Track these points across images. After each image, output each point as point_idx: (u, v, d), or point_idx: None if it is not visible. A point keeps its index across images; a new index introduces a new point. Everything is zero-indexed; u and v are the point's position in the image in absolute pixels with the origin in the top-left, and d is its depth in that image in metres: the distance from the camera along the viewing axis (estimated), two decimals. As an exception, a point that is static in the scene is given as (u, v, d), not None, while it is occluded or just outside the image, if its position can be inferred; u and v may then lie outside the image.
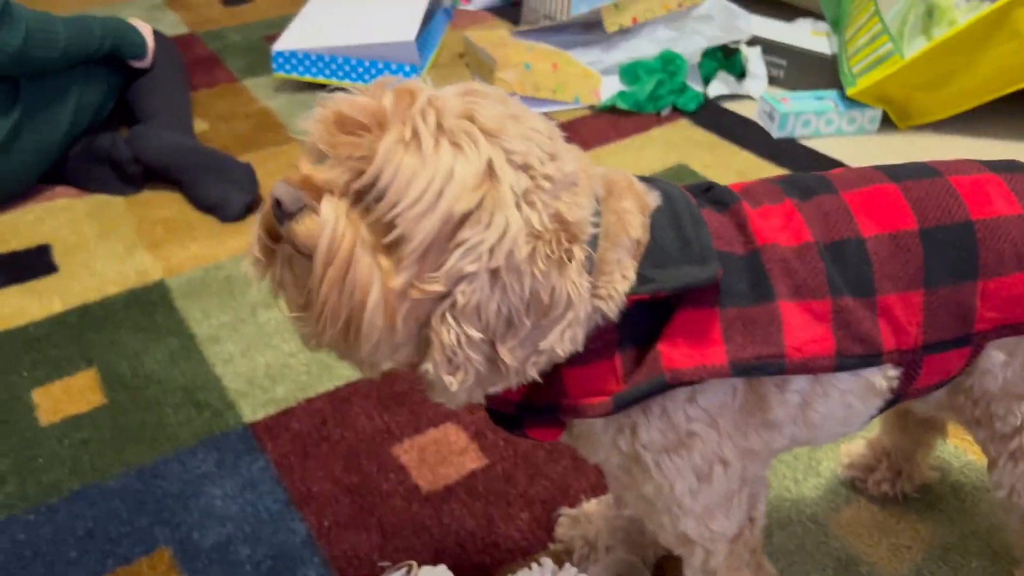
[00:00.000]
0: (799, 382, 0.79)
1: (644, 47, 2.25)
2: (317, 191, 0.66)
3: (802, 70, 2.29)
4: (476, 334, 0.66)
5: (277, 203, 0.66)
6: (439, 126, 0.64)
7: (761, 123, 2.14)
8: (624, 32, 2.27)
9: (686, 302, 0.72)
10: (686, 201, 0.77)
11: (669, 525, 0.83)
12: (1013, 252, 0.78)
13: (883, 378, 0.80)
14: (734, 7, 2.26)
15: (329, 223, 0.64)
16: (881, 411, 0.86)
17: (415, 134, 0.64)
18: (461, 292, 0.65)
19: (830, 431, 0.85)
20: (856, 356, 0.76)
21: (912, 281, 0.78)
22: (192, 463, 1.28)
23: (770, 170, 1.96)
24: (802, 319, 0.74)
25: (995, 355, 0.83)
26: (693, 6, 2.24)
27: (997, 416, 0.88)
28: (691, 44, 2.23)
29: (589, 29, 2.38)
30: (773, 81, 2.34)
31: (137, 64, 2.02)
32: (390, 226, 0.64)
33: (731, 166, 1.97)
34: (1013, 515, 0.95)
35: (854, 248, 0.77)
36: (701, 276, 0.71)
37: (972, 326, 0.79)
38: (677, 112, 2.19)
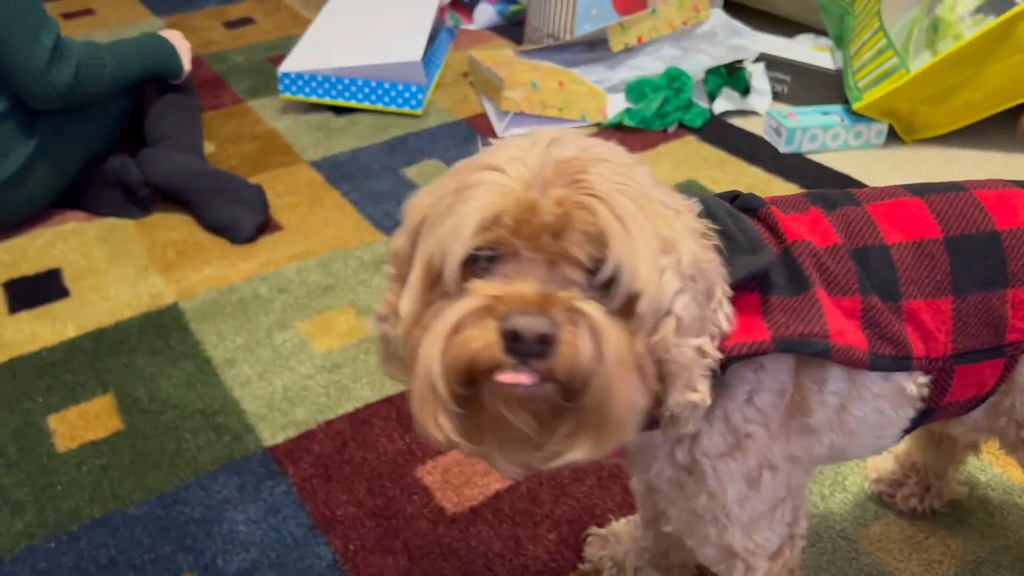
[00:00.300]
0: (836, 383, 0.79)
1: (649, 65, 2.26)
2: (553, 304, 0.61)
3: (806, 85, 2.31)
4: (696, 341, 0.67)
5: (514, 338, 0.59)
6: (624, 188, 0.64)
7: (768, 138, 2.15)
8: (629, 50, 2.28)
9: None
10: (718, 203, 0.78)
11: (715, 536, 0.83)
12: None
13: (914, 384, 0.81)
14: (738, 24, 2.27)
15: (606, 327, 0.61)
16: (914, 425, 0.86)
17: (623, 210, 0.63)
18: (681, 310, 0.66)
19: (865, 440, 0.85)
20: (887, 356, 0.77)
21: (939, 288, 0.78)
22: (213, 488, 1.27)
23: (779, 184, 1.97)
24: (836, 313, 0.76)
25: None
26: (697, 24, 2.25)
27: None
28: (696, 62, 2.24)
29: (593, 48, 2.39)
30: (777, 97, 2.35)
31: (174, 81, 2.04)
32: (624, 298, 0.63)
33: (740, 181, 1.98)
34: None
35: (878, 254, 0.79)
36: (759, 264, 0.73)
37: (1004, 336, 0.80)
38: (684, 129, 2.20)
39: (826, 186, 1.94)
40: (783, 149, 2.10)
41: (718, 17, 2.28)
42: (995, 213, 0.81)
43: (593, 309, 0.61)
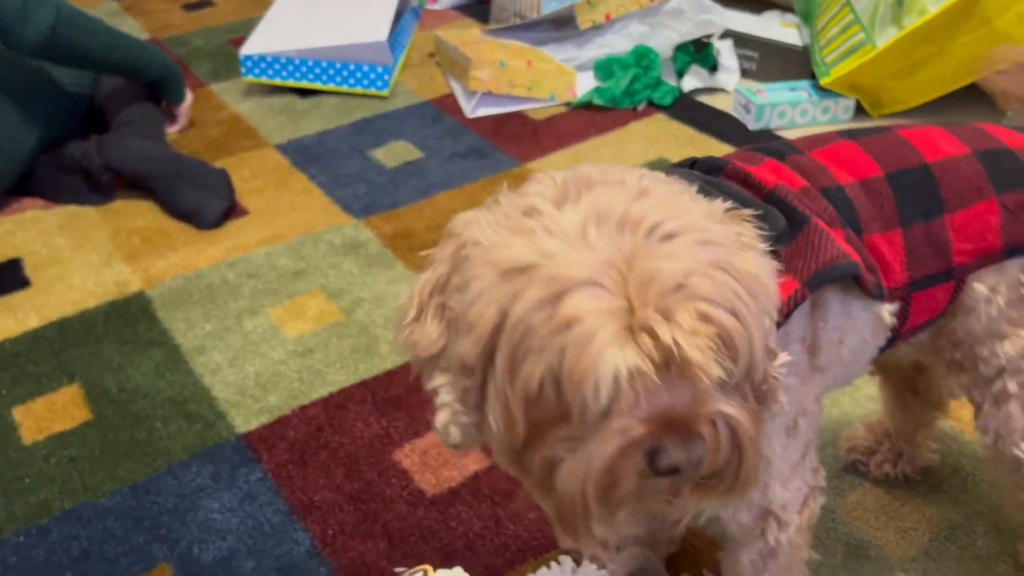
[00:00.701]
0: (836, 318, 0.81)
1: (617, 43, 2.24)
2: (699, 420, 0.59)
3: (773, 62, 2.31)
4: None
5: (671, 470, 0.59)
6: (719, 262, 0.61)
7: (737, 115, 2.15)
8: (596, 28, 2.26)
9: None
10: (692, 175, 0.79)
11: (758, 498, 0.83)
12: (969, 186, 0.84)
13: (887, 313, 0.84)
14: (705, 1, 2.27)
15: (743, 418, 0.61)
16: (880, 353, 0.89)
17: (738, 304, 0.60)
18: (774, 344, 0.68)
19: (849, 371, 0.88)
20: (876, 284, 0.80)
21: (889, 222, 0.83)
22: (187, 477, 1.24)
23: (748, 161, 1.97)
24: (839, 238, 0.79)
25: (978, 289, 0.86)
26: (665, 1, 2.24)
27: (980, 358, 0.90)
28: (663, 39, 2.23)
29: (560, 26, 2.37)
30: (745, 74, 2.35)
31: (169, 108, 2.05)
32: (746, 380, 0.63)
33: (710, 159, 1.98)
34: (1000, 466, 0.95)
35: (837, 194, 0.82)
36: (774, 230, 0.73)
37: (951, 260, 0.84)
38: (653, 107, 2.20)
39: (795, 162, 1.95)
40: (752, 126, 2.10)
41: (686, -6, 2.27)
42: (922, 149, 0.86)
43: (731, 408, 0.60)
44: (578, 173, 0.66)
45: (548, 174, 0.67)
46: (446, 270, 0.67)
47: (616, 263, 0.58)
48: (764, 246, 0.67)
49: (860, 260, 0.77)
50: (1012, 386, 0.89)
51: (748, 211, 0.69)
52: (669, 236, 0.60)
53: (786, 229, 0.76)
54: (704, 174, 0.81)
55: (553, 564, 0.97)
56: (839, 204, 0.81)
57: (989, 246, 0.84)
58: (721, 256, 0.60)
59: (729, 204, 0.68)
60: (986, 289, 0.86)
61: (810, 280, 0.74)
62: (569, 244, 0.60)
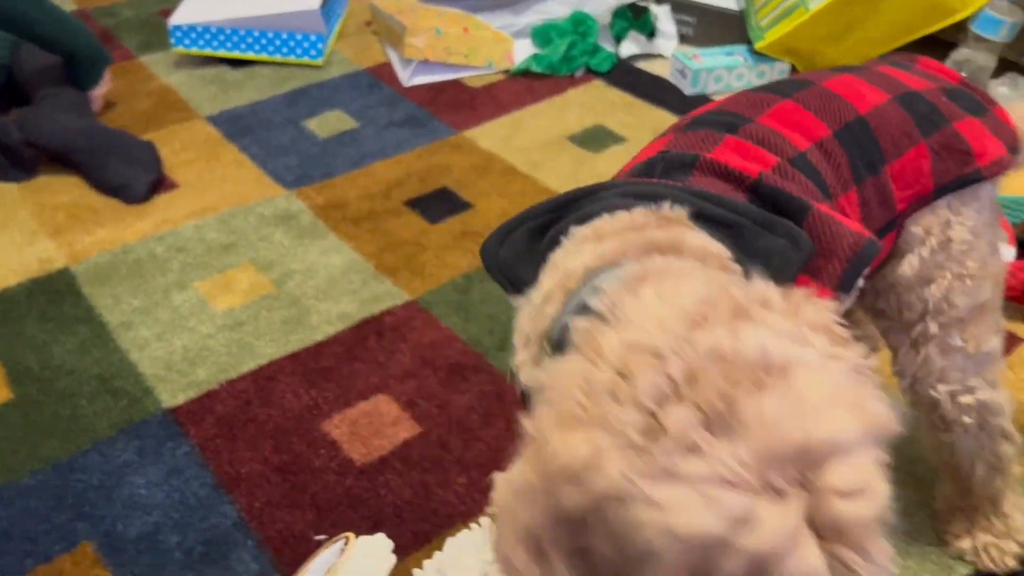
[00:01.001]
0: None
1: (554, 9, 2.23)
2: None
3: (711, 26, 2.31)
4: None
5: None
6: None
7: (674, 81, 2.16)
8: (534, -6, 2.24)
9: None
10: (683, 193, 0.71)
11: None
12: (900, 132, 0.84)
13: (863, 279, 0.83)
14: (641, -35, 2.26)
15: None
16: None
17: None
18: None
19: None
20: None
21: (847, 182, 0.82)
22: (112, 454, 1.22)
23: (685, 126, 1.98)
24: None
25: (914, 232, 0.87)
26: (601, -35, 2.22)
27: (905, 304, 0.91)
28: (601, 4, 2.22)
29: (498, -8, 2.35)
30: (683, 39, 2.35)
31: (89, 89, 1.94)
32: None
33: (647, 125, 1.98)
34: (918, 409, 0.97)
35: (802, 163, 0.80)
36: (803, 253, 0.69)
37: (895, 209, 0.85)
38: (591, 73, 2.19)
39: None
40: (688, 91, 2.10)
41: (621, -41, 2.26)
42: (852, 100, 0.85)
43: None
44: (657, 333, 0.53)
45: (601, 335, 0.53)
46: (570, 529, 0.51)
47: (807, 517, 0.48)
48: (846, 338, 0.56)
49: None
50: (933, 328, 0.90)
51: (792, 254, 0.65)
52: (842, 455, 0.49)
53: (805, 243, 0.69)
54: (672, 171, 0.76)
55: (473, 526, 0.97)
56: (809, 174, 0.79)
57: (923, 189, 0.85)
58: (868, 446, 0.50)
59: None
60: (921, 231, 0.87)
61: (843, 283, 0.70)
62: (755, 499, 0.47)
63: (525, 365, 0.69)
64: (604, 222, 0.69)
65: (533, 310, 0.69)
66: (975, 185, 0.87)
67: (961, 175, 0.86)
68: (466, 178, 1.78)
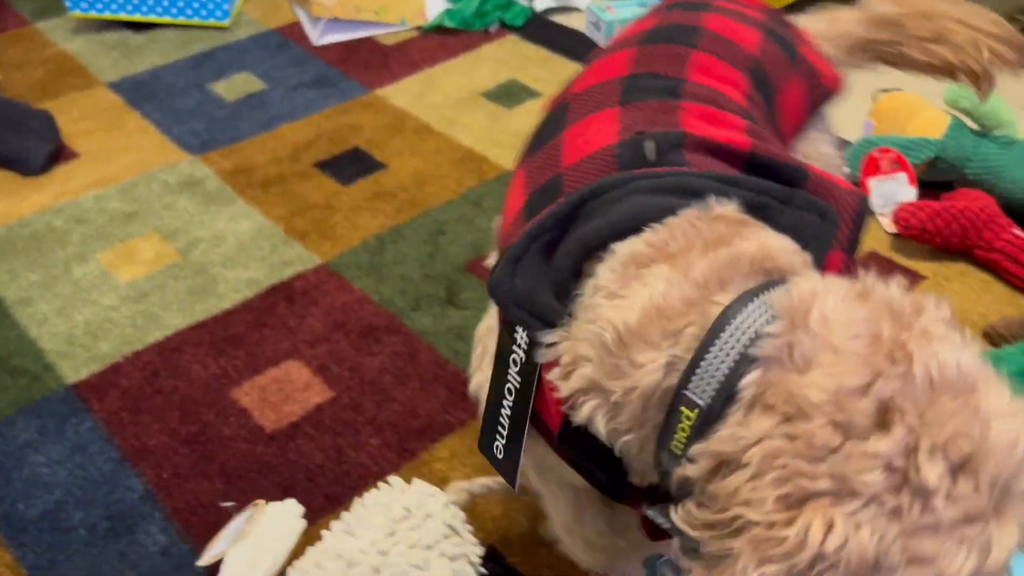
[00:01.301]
0: None
1: (466, -38, 2.18)
2: None
3: (625, -22, 2.29)
4: None
5: None
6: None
7: (589, 34, 2.14)
8: (444, -52, 2.20)
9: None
10: (707, 181, 0.64)
11: None
12: (781, 67, 0.84)
13: None
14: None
15: None
16: None
17: None
18: None
19: None
20: None
21: (771, 127, 0.81)
22: (11, 433, 1.18)
23: (600, 79, 1.97)
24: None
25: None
26: (512, -83, 2.18)
27: None
28: (512, -43, 2.18)
29: (409, -53, 2.29)
30: (599, -9, 2.33)
31: None
32: None
33: (562, 79, 1.96)
34: None
35: (750, 118, 0.76)
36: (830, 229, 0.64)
37: (787, 143, 0.87)
38: (505, 28, 2.16)
39: (646, 78, 1.95)
40: (603, 43, 2.09)
41: (532, -90, 2.22)
42: (740, 43, 0.83)
43: None
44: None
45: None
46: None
47: None
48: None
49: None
50: None
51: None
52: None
53: (832, 214, 0.64)
54: (671, 153, 0.67)
55: (382, 484, 0.96)
56: (758, 113, 0.77)
57: (802, 118, 0.86)
58: None
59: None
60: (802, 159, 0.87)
61: (851, 245, 0.65)
62: (992, 525, 0.47)
63: (629, 434, 0.58)
64: (659, 235, 0.59)
65: (604, 358, 0.57)
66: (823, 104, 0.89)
67: (817, 99, 0.87)
68: (378, 137, 1.75)
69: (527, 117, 1.82)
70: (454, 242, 1.49)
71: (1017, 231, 1.37)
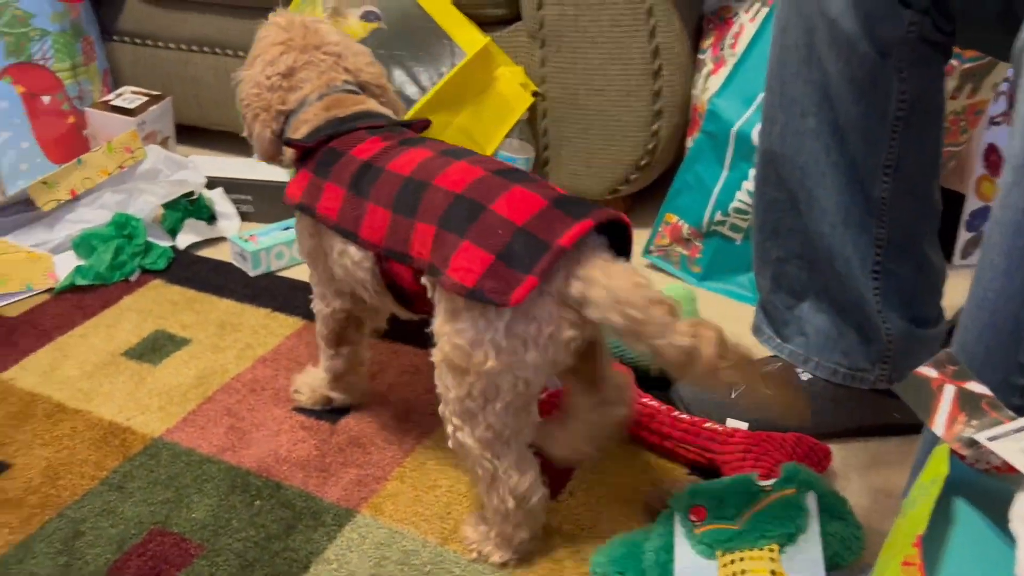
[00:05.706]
0: None
1: (92, 216, 2.10)
2: None
3: (269, 202, 2.31)
4: None
5: None
6: None
7: (238, 264, 2.12)
8: (66, 205, 2.10)
9: None
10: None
11: None
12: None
13: None
14: (179, 158, 2.22)
15: None
16: None
17: None
18: None
19: None
20: None
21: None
22: None
23: (254, 312, 1.93)
24: None
25: None
26: (136, 164, 2.15)
27: None
28: (144, 203, 2.13)
29: (31, 206, 2.17)
30: (246, 216, 2.33)
31: None
32: None
33: (211, 318, 1.91)
34: None
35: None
36: None
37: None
38: (149, 273, 2.08)
39: (298, 302, 1.92)
40: (252, 272, 2.07)
41: (157, 153, 2.20)
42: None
43: None
44: None
45: None
46: None
47: None
48: None
49: None
50: None
51: None
52: None
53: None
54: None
55: None
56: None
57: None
58: None
59: None
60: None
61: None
62: None
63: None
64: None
65: None
66: None
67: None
68: (0, 433, 1.57)
69: (177, 370, 1.73)
70: (94, 544, 1.34)
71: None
